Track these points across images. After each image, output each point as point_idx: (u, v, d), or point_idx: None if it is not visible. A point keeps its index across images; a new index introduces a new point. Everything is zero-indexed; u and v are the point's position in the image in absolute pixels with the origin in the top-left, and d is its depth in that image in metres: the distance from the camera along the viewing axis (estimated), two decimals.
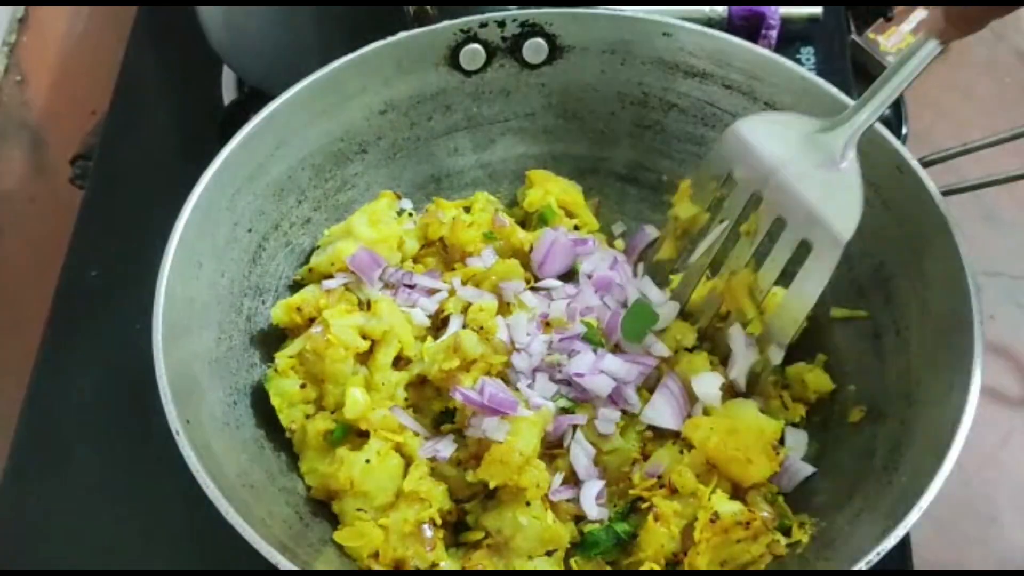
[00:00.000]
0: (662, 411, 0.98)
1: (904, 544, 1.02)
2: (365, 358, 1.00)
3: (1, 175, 1.47)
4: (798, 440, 1.00)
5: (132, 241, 1.22)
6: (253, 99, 1.26)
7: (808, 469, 0.98)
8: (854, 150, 0.88)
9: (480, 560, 0.92)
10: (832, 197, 0.87)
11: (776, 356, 0.97)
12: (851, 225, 0.86)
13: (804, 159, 0.88)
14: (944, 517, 1.11)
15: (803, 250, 0.91)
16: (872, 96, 0.87)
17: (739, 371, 0.99)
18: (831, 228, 0.86)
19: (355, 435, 0.97)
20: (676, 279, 1.06)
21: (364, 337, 0.99)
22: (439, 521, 0.93)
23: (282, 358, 1.00)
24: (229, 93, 1.35)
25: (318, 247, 1.10)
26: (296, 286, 1.08)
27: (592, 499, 0.95)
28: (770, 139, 0.90)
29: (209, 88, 1.36)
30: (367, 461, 0.94)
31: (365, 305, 1.02)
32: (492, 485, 0.91)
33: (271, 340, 1.04)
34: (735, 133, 0.92)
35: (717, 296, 1.00)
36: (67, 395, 1.16)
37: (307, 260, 1.09)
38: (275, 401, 0.99)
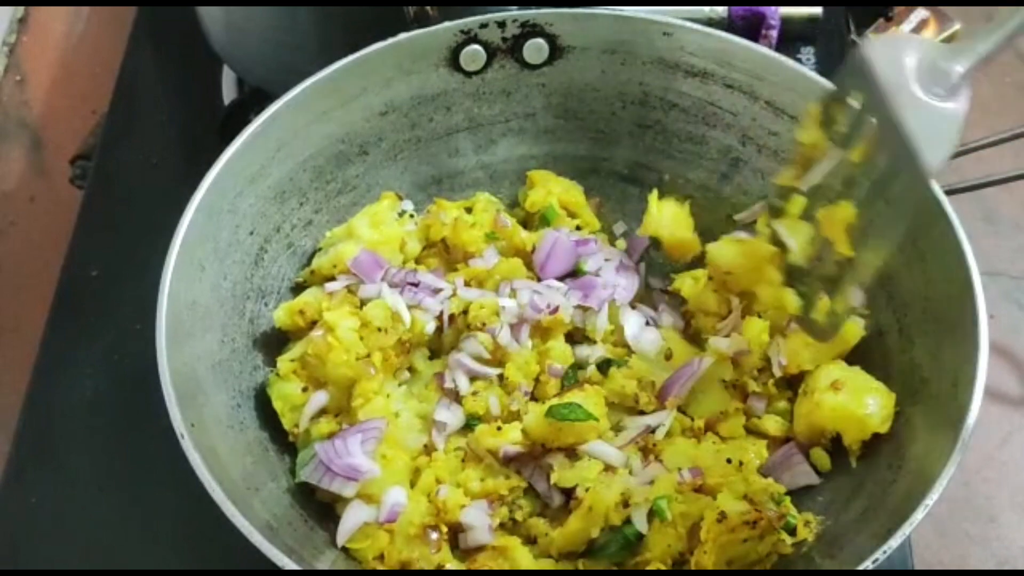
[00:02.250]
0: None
1: (905, 544, 1.02)
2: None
3: (1, 175, 1.47)
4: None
5: (132, 241, 1.22)
6: (253, 99, 1.26)
7: (813, 479, 0.98)
8: (968, 80, 0.82)
9: (484, 562, 0.91)
10: (931, 128, 0.81)
11: (857, 297, 0.92)
12: (941, 155, 0.81)
13: (918, 86, 0.83)
14: (944, 517, 1.11)
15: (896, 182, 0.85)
16: (998, 27, 0.82)
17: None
18: (921, 158, 0.81)
19: None
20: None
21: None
22: (444, 528, 0.93)
23: (283, 362, 1.00)
24: (229, 93, 1.35)
25: (320, 249, 1.10)
26: (298, 288, 1.08)
27: None
28: (890, 64, 0.84)
29: (209, 88, 1.36)
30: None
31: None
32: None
33: (274, 342, 1.04)
34: (859, 56, 0.86)
35: (819, 233, 0.94)
36: (67, 395, 1.15)
37: (309, 262, 1.09)
38: (277, 405, 0.98)
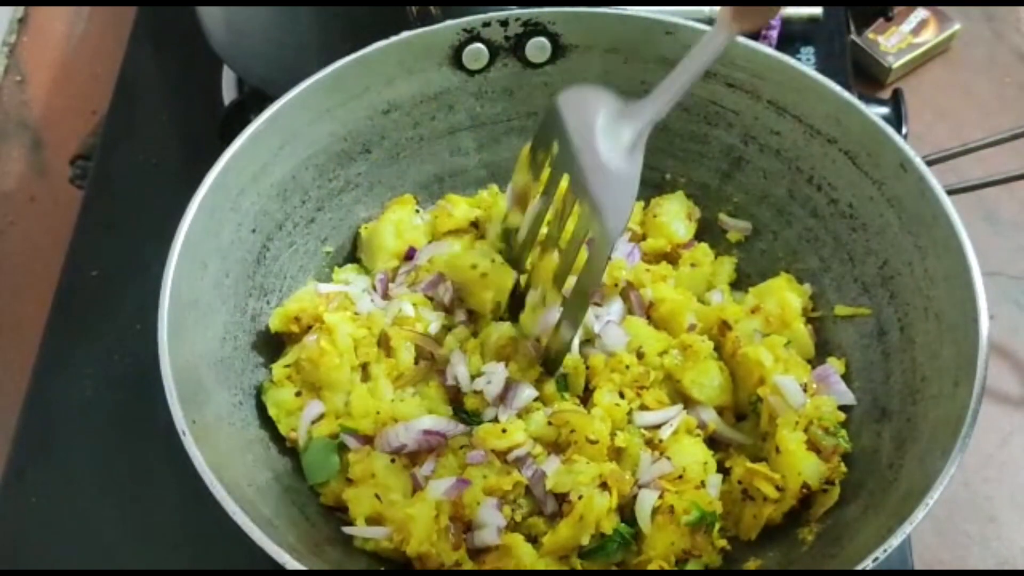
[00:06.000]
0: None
1: (904, 544, 1.02)
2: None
3: (1, 175, 1.47)
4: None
5: (132, 241, 1.22)
6: (253, 99, 1.26)
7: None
8: (642, 143, 0.87)
9: (494, 564, 0.91)
10: (612, 192, 0.86)
11: (567, 334, 0.95)
12: (620, 225, 0.86)
13: (600, 146, 0.87)
14: (944, 517, 1.12)
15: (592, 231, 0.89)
16: (662, 91, 0.87)
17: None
18: (604, 224, 0.85)
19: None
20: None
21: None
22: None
23: (278, 368, 1.00)
24: (229, 93, 1.35)
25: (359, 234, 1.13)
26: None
27: None
28: (580, 119, 0.88)
29: (209, 88, 1.36)
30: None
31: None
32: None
33: (275, 341, 1.04)
34: (555, 106, 0.90)
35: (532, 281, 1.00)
36: (67, 395, 1.15)
37: (312, 260, 1.10)
38: (272, 412, 0.99)
